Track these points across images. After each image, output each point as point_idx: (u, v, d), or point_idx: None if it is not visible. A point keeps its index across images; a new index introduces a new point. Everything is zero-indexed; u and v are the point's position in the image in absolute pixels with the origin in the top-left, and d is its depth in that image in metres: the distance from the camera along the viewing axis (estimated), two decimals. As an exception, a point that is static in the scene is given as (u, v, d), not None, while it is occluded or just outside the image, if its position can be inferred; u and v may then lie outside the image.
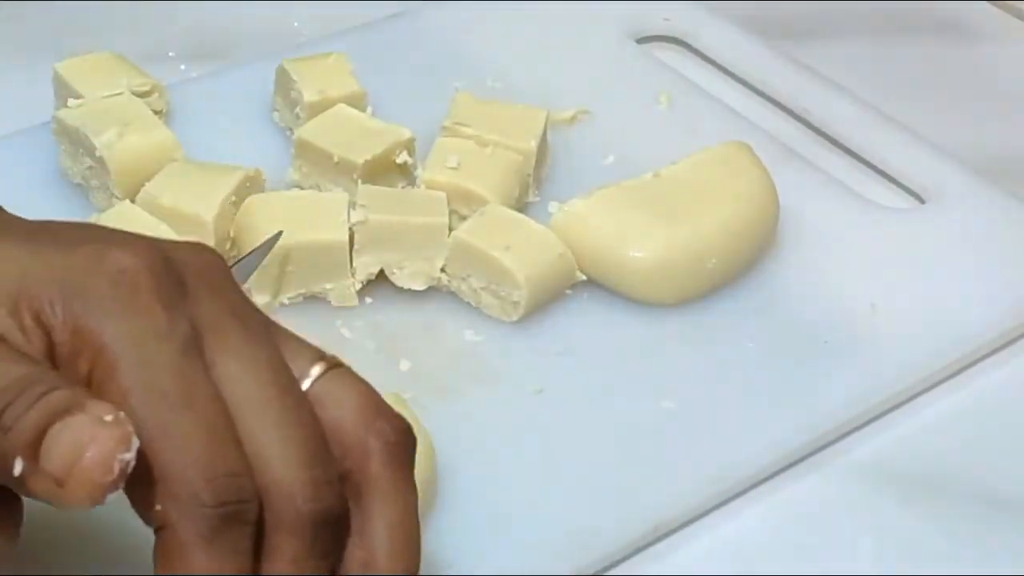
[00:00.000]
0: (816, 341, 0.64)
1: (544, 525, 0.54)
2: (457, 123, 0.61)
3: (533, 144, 0.62)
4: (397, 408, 0.43)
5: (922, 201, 0.74)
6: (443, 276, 0.57)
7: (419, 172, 0.61)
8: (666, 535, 0.56)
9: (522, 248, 0.57)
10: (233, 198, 0.54)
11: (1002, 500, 0.59)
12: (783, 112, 0.78)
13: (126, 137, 0.53)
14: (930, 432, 0.62)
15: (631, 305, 0.63)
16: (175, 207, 0.52)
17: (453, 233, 0.57)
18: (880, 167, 0.76)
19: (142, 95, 0.58)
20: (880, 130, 0.78)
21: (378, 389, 0.55)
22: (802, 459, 0.59)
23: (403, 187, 0.61)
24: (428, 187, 0.59)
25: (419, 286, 0.57)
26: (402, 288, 0.59)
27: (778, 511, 0.58)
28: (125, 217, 0.51)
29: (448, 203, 0.59)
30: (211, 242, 0.54)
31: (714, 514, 0.57)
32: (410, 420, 0.43)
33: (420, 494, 0.42)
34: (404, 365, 0.58)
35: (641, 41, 0.78)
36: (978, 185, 0.74)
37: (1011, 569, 0.56)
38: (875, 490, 0.59)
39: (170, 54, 0.67)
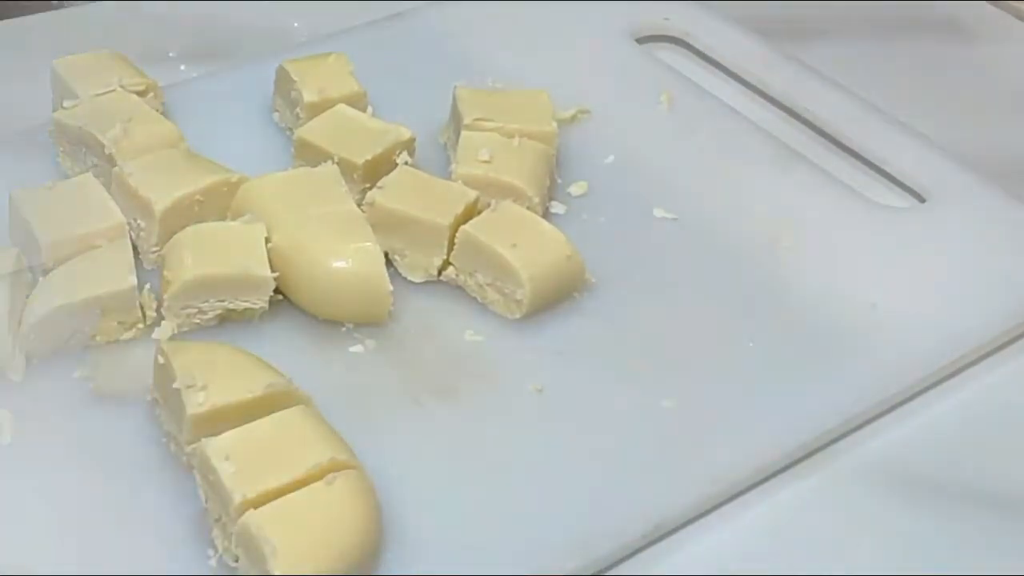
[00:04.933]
0: (816, 341, 0.64)
1: (544, 525, 0.54)
2: (478, 119, 0.61)
3: (553, 125, 0.62)
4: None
5: (922, 200, 0.74)
6: (451, 269, 0.58)
7: (452, 167, 0.61)
8: (666, 535, 0.56)
9: (530, 247, 0.57)
10: (199, 198, 0.53)
11: (1002, 500, 0.59)
12: (783, 111, 0.78)
13: (131, 132, 0.53)
14: (930, 432, 0.62)
15: (630, 305, 0.63)
16: (135, 188, 0.52)
17: (462, 227, 0.57)
18: (880, 166, 0.76)
19: (138, 94, 0.58)
20: (880, 129, 0.77)
21: (378, 390, 0.55)
22: (802, 459, 0.59)
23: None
24: (463, 182, 0.59)
25: (417, 278, 0.57)
26: (402, 287, 0.59)
27: (778, 511, 0.57)
28: (82, 188, 0.51)
29: (483, 196, 0.59)
30: (154, 234, 0.52)
31: (714, 514, 0.57)
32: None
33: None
34: (404, 364, 0.58)
35: (641, 41, 0.78)
36: (978, 185, 0.74)
37: (1012, 569, 0.56)
38: (875, 490, 0.59)
39: (170, 54, 0.67)
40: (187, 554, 0.47)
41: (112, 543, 0.46)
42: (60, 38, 0.86)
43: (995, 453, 0.61)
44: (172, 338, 0.52)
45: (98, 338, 0.51)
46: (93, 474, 0.49)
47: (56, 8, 0.95)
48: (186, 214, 0.52)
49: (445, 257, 0.58)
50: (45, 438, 0.50)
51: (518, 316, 0.59)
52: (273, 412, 0.46)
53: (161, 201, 0.52)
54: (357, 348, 0.56)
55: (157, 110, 0.58)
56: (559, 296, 0.60)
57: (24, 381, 0.51)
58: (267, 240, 0.54)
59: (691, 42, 0.79)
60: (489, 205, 0.59)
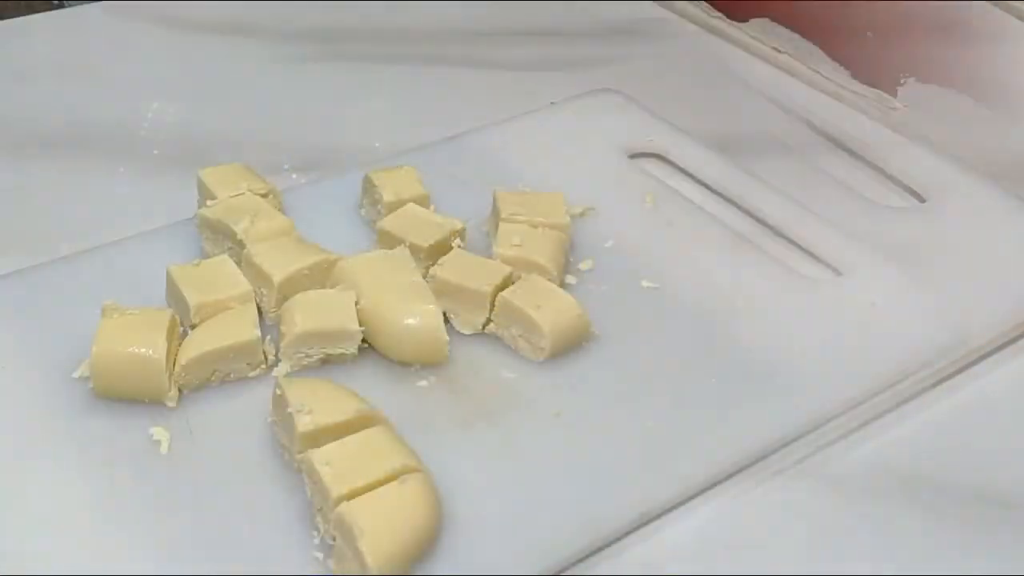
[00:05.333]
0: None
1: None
2: (512, 213, 0.72)
3: (567, 218, 0.73)
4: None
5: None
6: (492, 324, 0.67)
7: (493, 249, 0.71)
8: (665, 534, 0.58)
9: (550, 309, 0.66)
10: (306, 272, 0.65)
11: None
12: (736, 207, 0.79)
13: (256, 224, 0.66)
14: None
15: (626, 351, 0.66)
16: (260, 265, 0.65)
17: (500, 294, 0.67)
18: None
19: (262, 196, 0.70)
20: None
21: (438, 414, 0.61)
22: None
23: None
24: (501, 260, 0.70)
25: (467, 331, 0.67)
26: (456, 338, 0.67)
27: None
28: (220, 265, 0.65)
29: (515, 271, 0.69)
30: (273, 299, 0.65)
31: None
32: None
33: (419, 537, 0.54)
34: (457, 395, 0.64)
35: (632, 156, 0.84)
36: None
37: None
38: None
39: (284, 167, 0.79)
40: (298, 532, 0.56)
41: (241, 524, 0.56)
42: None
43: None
44: (287, 376, 0.62)
45: (232, 375, 0.62)
46: (226, 473, 0.59)
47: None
48: (296, 284, 0.65)
49: (487, 316, 0.67)
50: (193, 449, 0.59)
51: (541, 359, 0.66)
52: (361, 430, 0.57)
53: (278, 274, 0.64)
54: (423, 383, 0.64)
55: (275, 208, 0.70)
56: (572, 345, 0.67)
57: (177, 407, 0.61)
58: (356, 303, 0.64)
59: (669, 157, 0.84)
60: (520, 277, 0.69)
